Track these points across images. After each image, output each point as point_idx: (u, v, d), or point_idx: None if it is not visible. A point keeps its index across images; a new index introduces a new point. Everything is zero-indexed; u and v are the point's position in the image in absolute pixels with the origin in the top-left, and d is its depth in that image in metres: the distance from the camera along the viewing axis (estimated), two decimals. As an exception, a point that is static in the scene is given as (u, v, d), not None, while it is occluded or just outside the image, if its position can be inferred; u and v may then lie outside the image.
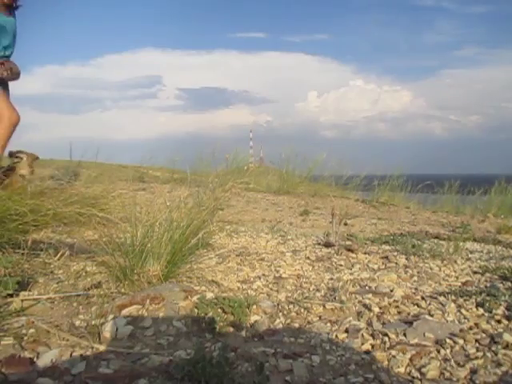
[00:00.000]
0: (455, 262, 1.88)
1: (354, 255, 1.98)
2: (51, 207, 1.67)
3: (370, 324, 1.15)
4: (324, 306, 1.28)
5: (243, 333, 1.09)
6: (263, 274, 1.63)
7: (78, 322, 1.09)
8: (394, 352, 0.98)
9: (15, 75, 3.11)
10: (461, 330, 1.09)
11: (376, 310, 1.25)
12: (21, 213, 1.56)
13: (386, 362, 0.95)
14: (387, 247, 2.21)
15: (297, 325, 1.16)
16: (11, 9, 3.10)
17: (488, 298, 1.28)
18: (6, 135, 3.03)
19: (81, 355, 0.92)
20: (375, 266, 1.79)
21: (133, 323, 1.08)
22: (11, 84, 3.12)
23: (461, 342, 1.02)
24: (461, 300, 1.31)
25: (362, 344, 1.03)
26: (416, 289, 1.46)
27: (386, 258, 1.93)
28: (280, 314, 1.23)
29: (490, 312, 1.20)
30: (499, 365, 0.91)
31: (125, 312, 1.14)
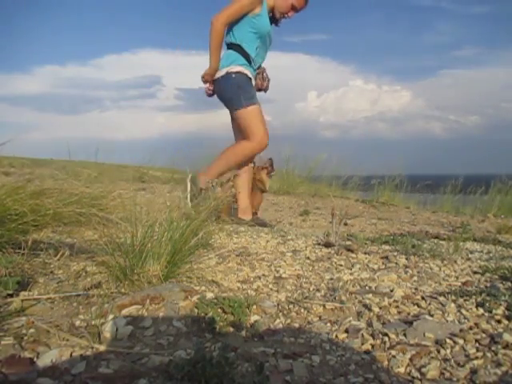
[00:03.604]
0: (455, 262, 1.88)
1: (354, 255, 1.98)
2: (51, 207, 1.67)
3: (370, 324, 1.15)
4: (324, 306, 1.28)
5: (243, 333, 1.09)
6: (263, 274, 1.63)
7: (78, 322, 1.09)
8: (394, 352, 0.98)
9: (268, 83, 2.96)
10: (461, 330, 1.09)
11: (376, 310, 1.25)
12: (21, 213, 1.56)
13: (385, 362, 0.95)
14: (387, 247, 2.21)
15: (297, 325, 1.16)
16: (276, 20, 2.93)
17: (488, 298, 1.28)
18: (245, 156, 2.79)
19: (81, 355, 0.92)
20: (375, 266, 1.79)
21: (133, 323, 1.08)
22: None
23: (461, 341, 1.02)
24: (461, 300, 1.31)
25: (362, 344, 1.03)
26: (416, 289, 1.46)
27: (386, 257, 1.93)
28: (280, 314, 1.23)
29: (490, 312, 1.20)
30: (499, 365, 0.91)
31: (125, 312, 1.14)
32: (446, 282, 1.56)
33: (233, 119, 2.95)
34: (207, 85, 2.90)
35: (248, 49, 2.80)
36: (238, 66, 2.78)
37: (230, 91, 2.78)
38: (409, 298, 1.35)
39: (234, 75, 2.76)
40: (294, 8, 2.84)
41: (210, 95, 2.99)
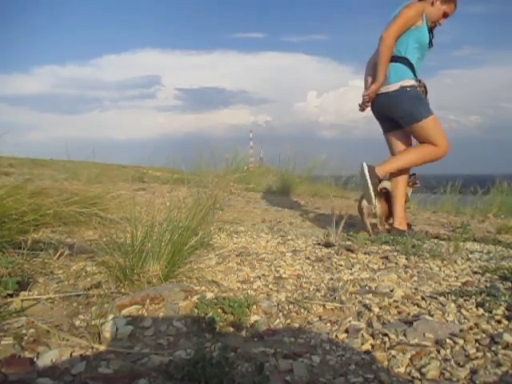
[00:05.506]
0: (455, 262, 1.88)
1: (354, 255, 1.98)
2: (51, 206, 1.67)
3: (369, 324, 1.15)
4: (324, 306, 1.28)
5: (243, 333, 1.09)
6: (263, 274, 1.63)
7: (78, 322, 1.09)
8: (394, 352, 0.98)
9: (427, 96, 2.88)
10: (461, 330, 1.09)
11: (376, 310, 1.25)
12: (21, 212, 1.56)
13: (385, 362, 0.95)
14: (387, 247, 2.21)
15: (297, 325, 1.16)
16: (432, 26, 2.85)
17: (488, 298, 1.28)
18: (426, 158, 2.80)
19: (81, 355, 0.92)
20: (375, 266, 1.79)
21: (133, 323, 1.08)
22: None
23: (461, 342, 1.02)
24: (461, 300, 1.31)
25: (362, 344, 1.03)
26: (416, 289, 1.46)
27: (386, 258, 1.93)
28: (280, 313, 1.23)
29: (490, 312, 1.20)
30: (499, 365, 0.91)
31: (125, 312, 1.14)
32: (446, 282, 1.56)
33: (393, 133, 2.91)
34: (365, 101, 2.85)
35: (412, 61, 2.81)
36: (411, 80, 2.77)
37: (409, 105, 2.75)
38: (409, 298, 1.35)
39: (408, 89, 2.75)
40: (445, 15, 2.84)
41: (363, 110, 2.95)
